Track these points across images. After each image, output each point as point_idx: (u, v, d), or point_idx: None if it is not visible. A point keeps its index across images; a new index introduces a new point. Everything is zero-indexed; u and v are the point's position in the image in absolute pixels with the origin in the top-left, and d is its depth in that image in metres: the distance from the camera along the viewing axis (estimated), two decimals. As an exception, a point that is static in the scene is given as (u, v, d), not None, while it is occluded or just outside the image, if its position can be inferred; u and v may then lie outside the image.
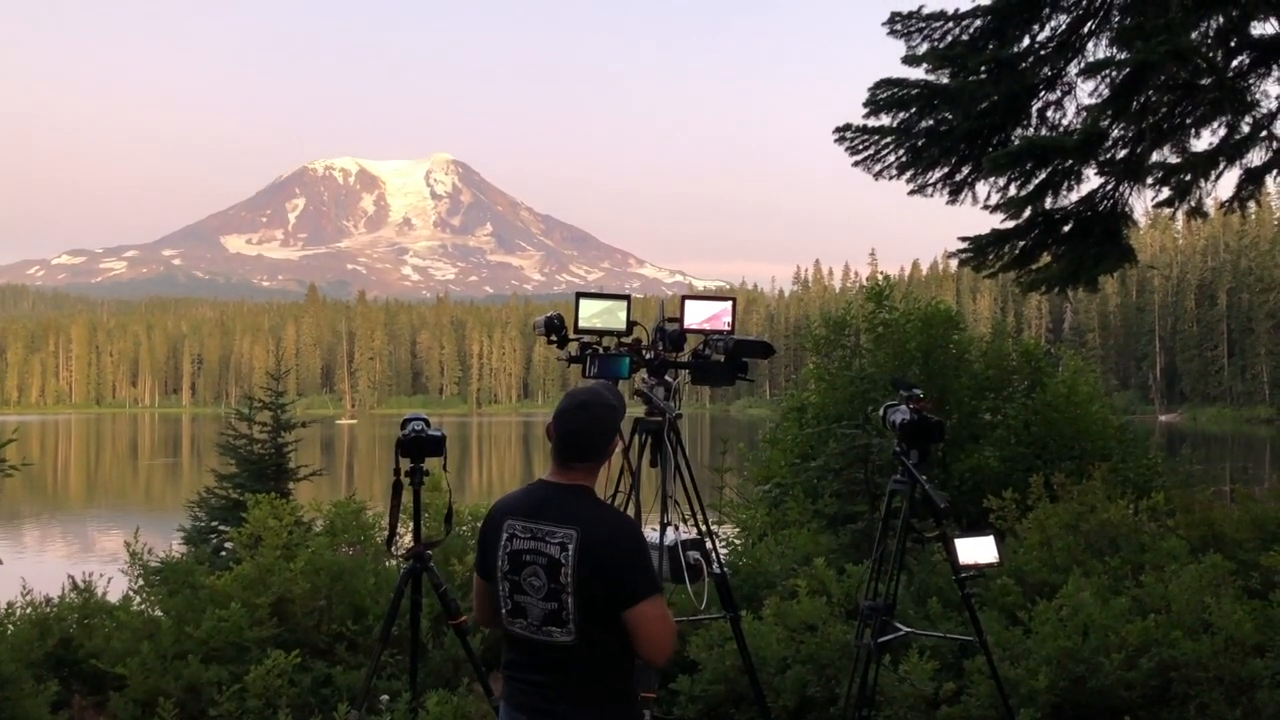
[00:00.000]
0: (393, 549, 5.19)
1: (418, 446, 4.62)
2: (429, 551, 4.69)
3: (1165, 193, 8.97)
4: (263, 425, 10.54)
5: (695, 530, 4.48)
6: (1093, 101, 8.29)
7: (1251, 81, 8.29)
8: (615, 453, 3.82)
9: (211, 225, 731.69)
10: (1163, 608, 5.75)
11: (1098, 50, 8.72)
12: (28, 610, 6.04)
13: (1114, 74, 7.78)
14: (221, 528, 9.76)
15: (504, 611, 2.93)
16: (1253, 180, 8.95)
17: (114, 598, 6.29)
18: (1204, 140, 8.71)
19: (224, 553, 8.84)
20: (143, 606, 6.23)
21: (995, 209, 9.16)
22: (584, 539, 2.81)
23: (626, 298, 4.43)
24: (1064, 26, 8.84)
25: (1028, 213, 9.20)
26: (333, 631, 6.04)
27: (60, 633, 5.92)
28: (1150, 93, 8.07)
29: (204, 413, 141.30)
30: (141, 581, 6.37)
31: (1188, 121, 8.60)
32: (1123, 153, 8.86)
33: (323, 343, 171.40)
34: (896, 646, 5.31)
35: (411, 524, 4.79)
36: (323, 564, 6.24)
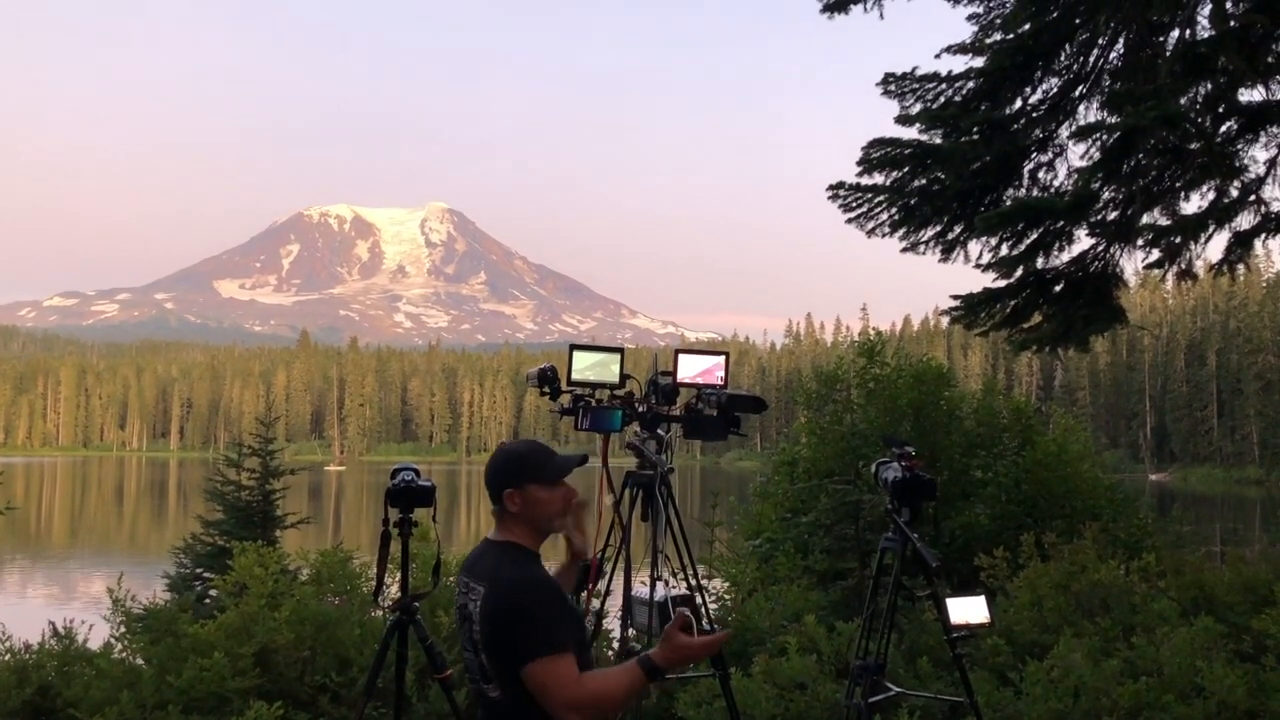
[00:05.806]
0: (379, 600, 5.13)
1: (407, 497, 4.58)
2: (416, 604, 4.64)
3: (1155, 254, 9.07)
4: (251, 472, 10.47)
5: (685, 585, 4.45)
6: (1084, 164, 8.40)
7: (1240, 147, 8.42)
8: (606, 506, 3.78)
9: (205, 269, 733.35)
10: (1154, 670, 5.71)
11: (1089, 114, 8.85)
12: (6, 657, 5.94)
13: (1104, 137, 7.88)
14: (206, 575, 9.66)
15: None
16: (1241, 244, 9.05)
17: (95, 644, 6.18)
18: (1193, 203, 8.83)
19: (208, 600, 8.74)
20: (124, 654, 6.13)
21: (987, 268, 9.23)
22: (486, 595, 2.80)
23: (620, 350, 4.42)
24: (1055, 90, 8.97)
25: (1019, 272, 9.27)
26: (316, 683, 5.96)
27: (39, 680, 5.82)
28: (1140, 156, 8.17)
29: (192, 457, 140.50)
30: (123, 628, 6.27)
31: (1177, 185, 8.71)
32: (1113, 214, 8.96)
33: (313, 388, 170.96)
34: (886, 706, 5.25)
35: (399, 575, 4.74)
36: (308, 614, 6.16)
